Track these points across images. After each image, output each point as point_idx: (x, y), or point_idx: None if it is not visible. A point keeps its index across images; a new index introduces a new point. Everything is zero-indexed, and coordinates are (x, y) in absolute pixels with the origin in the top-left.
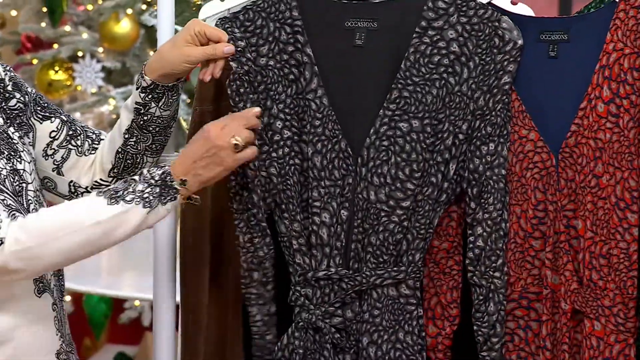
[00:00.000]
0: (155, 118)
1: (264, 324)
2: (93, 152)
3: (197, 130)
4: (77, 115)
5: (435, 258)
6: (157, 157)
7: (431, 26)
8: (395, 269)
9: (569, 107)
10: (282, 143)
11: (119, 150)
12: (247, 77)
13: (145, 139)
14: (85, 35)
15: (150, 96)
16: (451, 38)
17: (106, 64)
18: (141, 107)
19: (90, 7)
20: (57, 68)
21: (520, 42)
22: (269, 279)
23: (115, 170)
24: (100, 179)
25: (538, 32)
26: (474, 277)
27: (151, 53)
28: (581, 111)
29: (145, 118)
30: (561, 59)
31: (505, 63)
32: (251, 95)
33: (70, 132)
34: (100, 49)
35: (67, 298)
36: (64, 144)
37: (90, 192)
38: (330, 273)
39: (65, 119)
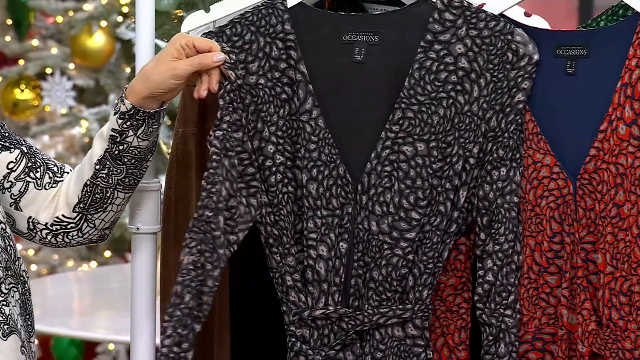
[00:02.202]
0: (131, 148)
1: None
2: (54, 185)
3: (179, 155)
4: (45, 138)
5: (441, 295)
6: (130, 193)
7: (437, 40)
8: (400, 307)
9: (588, 129)
10: (274, 169)
11: (88, 182)
12: (240, 92)
13: (118, 171)
14: (54, 50)
15: (128, 123)
16: (459, 53)
17: (78, 81)
18: (117, 135)
19: (60, 19)
20: (23, 86)
21: (536, 57)
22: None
23: (81, 205)
24: (63, 215)
25: (554, 47)
26: (483, 315)
27: (127, 70)
28: (601, 133)
29: (120, 147)
30: (580, 76)
31: (520, 80)
32: (242, 113)
33: (30, 164)
34: (71, 65)
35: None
36: (22, 176)
37: (50, 229)
38: (328, 312)
39: (26, 151)
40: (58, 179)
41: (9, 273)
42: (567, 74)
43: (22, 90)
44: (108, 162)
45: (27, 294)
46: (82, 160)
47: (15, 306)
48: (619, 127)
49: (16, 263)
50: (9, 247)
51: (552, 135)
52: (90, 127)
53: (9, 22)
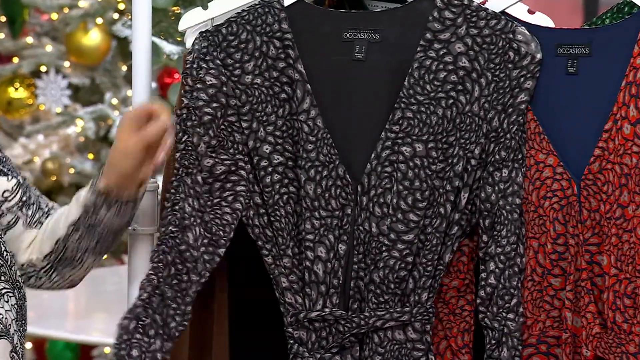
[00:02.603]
0: (103, 223)
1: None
2: (39, 226)
3: (175, 151)
4: (40, 137)
5: (444, 297)
6: (100, 257)
7: (437, 39)
8: (398, 309)
9: (592, 129)
10: (270, 169)
11: (60, 240)
12: (195, 114)
13: (90, 238)
14: (49, 48)
15: (101, 199)
16: (459, 52)
17: (73, 80)
18: (91, 207)
19: (55, 16)
20: (17, 85)
21: (538, 55)
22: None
23: (52, 257)
24: (37, 258)
25: (555, 46)
26: (486, 319)
27: (124, 68)
28: (606, 133)
29: (93, 218)
30: (582, 75)
31: (522, 79)
32: (198, 129)
33: (24, 199)
34: (67, 63)
35: (28, 345)
36: (14, 209)
37: (25, 270)
38: (324, 314)
39: (22, 182)
40: (44, 220)
41: (4, 278)
42: (568, 74)
43: (17, 89)
44: (82, 228)
45: (23, 299)
46: (62, 211)
47: (9, 311)
48: (623, 127)
49: (12, 269)
50: (4, 253)
51: (555, 135)
52: (85, 126)
53: (3, 19)
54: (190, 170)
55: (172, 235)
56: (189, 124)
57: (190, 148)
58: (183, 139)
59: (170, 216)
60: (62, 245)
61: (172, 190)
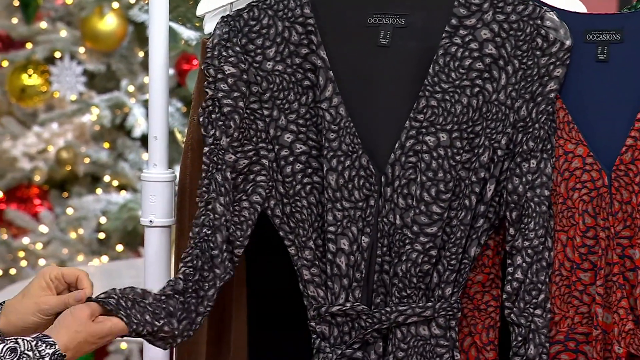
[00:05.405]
0: None
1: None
2: None
3: (194, 143)
4: (54, 126)
5: (469, 292)
6: None
7: (463, 24)
8: (420, 305)
9: (624, 118)
10: (291, 159)
11: None
12: (221, 107)
13: None
14: (64, 33)
15: None
16: (485, 38)
17: (88, 66)
18: None
19: (69, 0)
20: (31, 71)
21: (568, 42)
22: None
23: None
24: None
25: (584, 32)
26: (512, 315)
27: (140, 54)
28: (639, 122)
29: None
30: (613, 62)
31: (551, 67)
32: (220, 122)
33: None
34: (82, 49)
35: None
36: None
37: None
38: (345, 308)
39: None
40: None
41: None
42: (597, 61)
43: (30, 76)
44: None
45: None
46: None
47: None
48: None
49: None
50: None
51: (585, 124)
52: (101, 114)
53: (16, 3)
54: (219, 166)
55: (206, 238)
56: (213, 116)
57: (218, 142)
58: (211, 133)
59: (203, 217)
60: None
61: (204, 189)
